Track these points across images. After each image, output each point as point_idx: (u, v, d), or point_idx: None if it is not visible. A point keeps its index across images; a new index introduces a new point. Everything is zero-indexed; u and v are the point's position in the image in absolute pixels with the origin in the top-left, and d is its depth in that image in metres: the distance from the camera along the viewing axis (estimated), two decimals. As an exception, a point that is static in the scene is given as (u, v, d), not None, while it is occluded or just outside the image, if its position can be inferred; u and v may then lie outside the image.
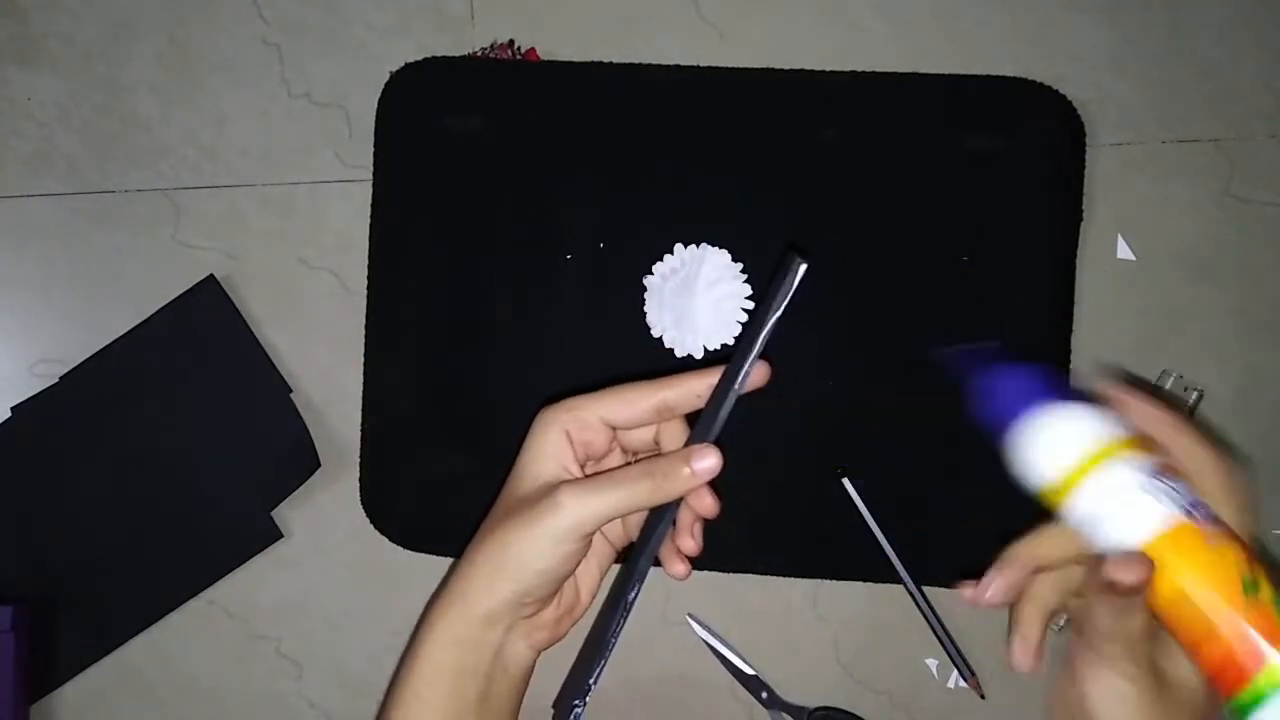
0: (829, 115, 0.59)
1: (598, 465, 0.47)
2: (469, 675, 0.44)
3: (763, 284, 0.58)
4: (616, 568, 0.49)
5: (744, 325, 0.44)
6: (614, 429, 0.45)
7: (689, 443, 0.44)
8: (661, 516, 0.44)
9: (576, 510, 0.41)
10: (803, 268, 0.42)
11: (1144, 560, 0.34)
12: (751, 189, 0.59)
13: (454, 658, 0.44)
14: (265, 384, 0.60)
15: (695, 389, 0.44)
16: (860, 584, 0.59)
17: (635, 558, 0.45)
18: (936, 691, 0.60)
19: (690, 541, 0.45)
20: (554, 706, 0.47)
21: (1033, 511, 0.58)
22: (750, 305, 0.58)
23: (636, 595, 0.45)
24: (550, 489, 0.42)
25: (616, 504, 0.42)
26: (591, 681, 0.45)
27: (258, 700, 0.61)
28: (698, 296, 0.57)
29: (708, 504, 0.44)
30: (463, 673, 0.44)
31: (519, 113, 0.59)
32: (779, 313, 0.42)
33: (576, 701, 0.45)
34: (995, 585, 0.37)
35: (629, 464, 0.45)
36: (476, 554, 0.44)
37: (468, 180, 0.59)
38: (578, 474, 0.44)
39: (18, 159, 0.62)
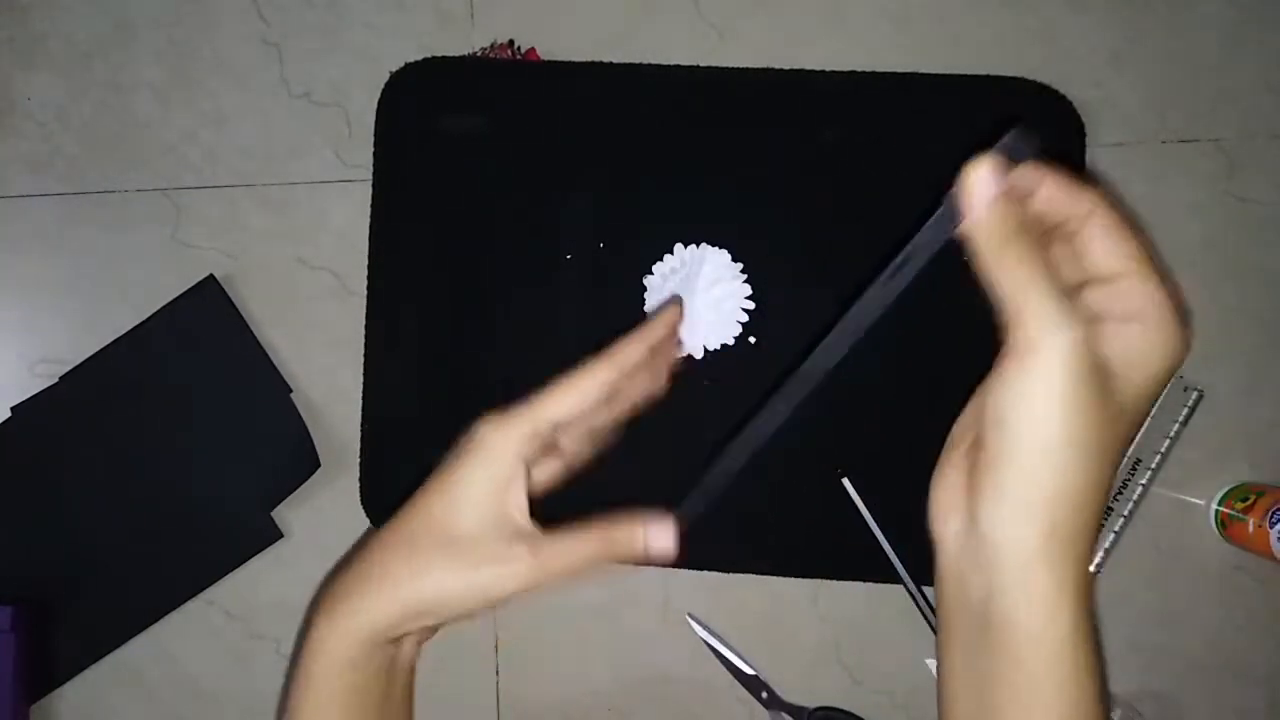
0: (829, 115, 0.59)
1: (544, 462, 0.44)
2: (367, 687, 0.41)
3: (763, 284, 0.58)
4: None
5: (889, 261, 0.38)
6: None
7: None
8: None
9: (520, 583, 0.39)
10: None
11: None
12: (751, 189, 0.59)
13: (351, 677, 0.40)
14: (265, 384, 0.60)
15: (632, 357, 0.43)
16: (860, 584, 0.59)
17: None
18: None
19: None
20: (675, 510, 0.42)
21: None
22: (751, 305, 0.58)
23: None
24: (504, 542, 0.39)
25: (560, 579, 0.39)
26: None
27: (257, 700, 0.61)
28: (698, 296, 0.58)
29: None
30: (359, 687, 0.40)
31: (519, 113, 0.59)
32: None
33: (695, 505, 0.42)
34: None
35: (581, 530, 0.40)
36: (394, 583, 0.39)
37: (467, 180, 0.59)
38: (525, 519, 0.40)
39: (18, 159, 0.62)
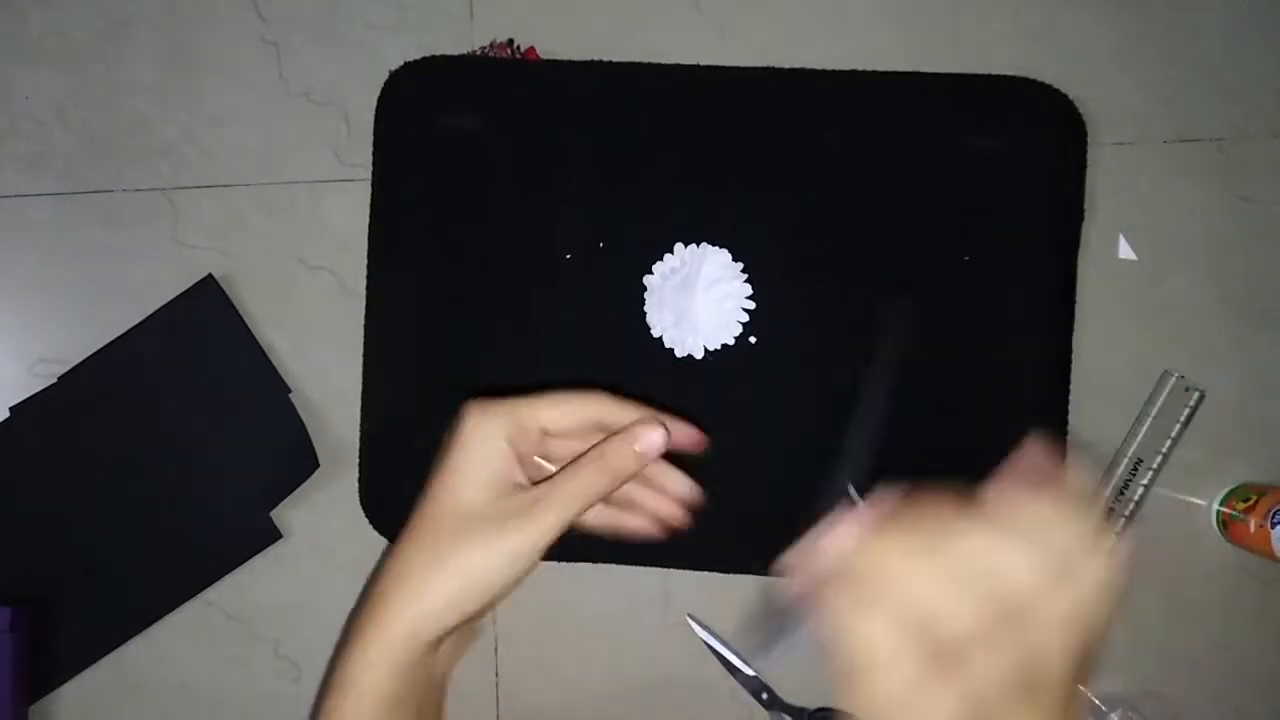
0: (829, 114, 0.58)
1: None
2: (405, 699, 0.41)
3: (763, 284, 0.58)
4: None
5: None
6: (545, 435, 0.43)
7: None
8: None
9: (545, 529, 0.40)
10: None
11: None
12: (751, 189, 0.59)
13: (392, 685, 0.41)
14: (264, 384, 0.60)
15: (623, 415, 0.43)
16: (860, 584, 0.59)
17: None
18: (937, 692, 0.60)
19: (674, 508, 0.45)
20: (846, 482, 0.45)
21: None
22: (751, 305, 0.58)
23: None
24: (504, 504, 0.41)
25: (578, 510, 0.41)
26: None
27: (256, 701, 0.61)
28: (698, 296, 0.57)
29: (691, 437, 0.44)
30: (399, 698, 0.41)
31: (518, 112, 0.59)
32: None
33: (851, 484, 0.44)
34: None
35: (572, 461, 0.42)
36: (426, 575, 0.41)
37: (467, 179, 0.59)
38: (524, 482, 0.42)
39: (17, 159, 0.61)
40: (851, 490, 0.43)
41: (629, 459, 0.42)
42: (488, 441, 0.42)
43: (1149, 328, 0.60)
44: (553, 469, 0.44)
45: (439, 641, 0.41)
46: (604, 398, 0.43)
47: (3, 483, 0.60)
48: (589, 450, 0.42)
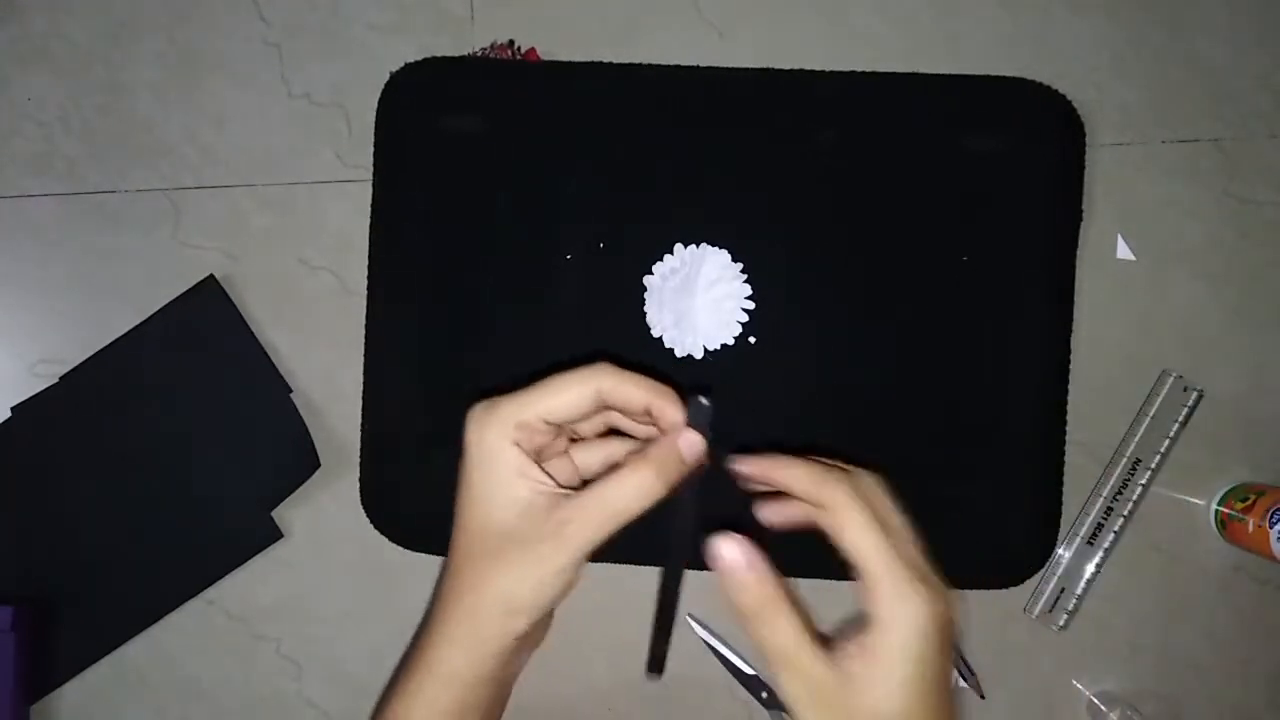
0: (829, 115, 0.59)
1: (550, 464, 0.44)
2: (471, 709, 0.42)
3: (763, 284, 0.58)
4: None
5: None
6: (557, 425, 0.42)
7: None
8: (681, 506, 0.42)
9: (583, 542, 0.39)
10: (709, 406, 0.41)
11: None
12: (751, 189, 0.59)
13: (459, 697, 0.42)
14: (265, 384, 0.60)
15: (632, 395, 0.41)
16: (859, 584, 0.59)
17: (672, 553, 0.43)
18: (936, 691, 0.60)
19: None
20: (649, 670, 0.45)
21: (1031, 513, 0.58)
22: (751, 305, 0.58)
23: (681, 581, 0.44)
24: (542, 516, 0.40)
25: (614, 528, 0.40)
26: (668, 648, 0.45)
27: (257, 700, 0.61)
28: (698, 296, 0.58)
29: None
30: (465, 707, 0.42)
31: (519, 113, 0.59)
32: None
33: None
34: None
35: (614, 469, 0.41)
36: (479, 595, 0.41)
37: (467, 180, 0.59)
38: (549, 484, 0.41)
39: (18, 159, 0.62)
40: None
41: (674, 464, 0.41)
42: (494, 453, 0.41)
43: (1147, 328, 0.60)
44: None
45: (506, 654, 0.41)
46: (604, 373, 0.41)
47: (3, 483, 0.60)
48: (626, 459, 0.41)
